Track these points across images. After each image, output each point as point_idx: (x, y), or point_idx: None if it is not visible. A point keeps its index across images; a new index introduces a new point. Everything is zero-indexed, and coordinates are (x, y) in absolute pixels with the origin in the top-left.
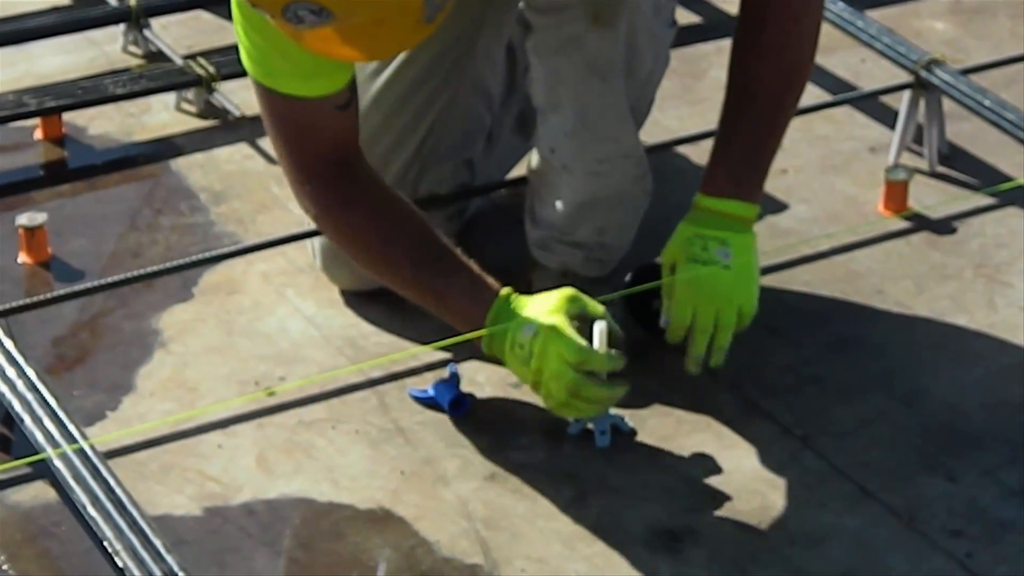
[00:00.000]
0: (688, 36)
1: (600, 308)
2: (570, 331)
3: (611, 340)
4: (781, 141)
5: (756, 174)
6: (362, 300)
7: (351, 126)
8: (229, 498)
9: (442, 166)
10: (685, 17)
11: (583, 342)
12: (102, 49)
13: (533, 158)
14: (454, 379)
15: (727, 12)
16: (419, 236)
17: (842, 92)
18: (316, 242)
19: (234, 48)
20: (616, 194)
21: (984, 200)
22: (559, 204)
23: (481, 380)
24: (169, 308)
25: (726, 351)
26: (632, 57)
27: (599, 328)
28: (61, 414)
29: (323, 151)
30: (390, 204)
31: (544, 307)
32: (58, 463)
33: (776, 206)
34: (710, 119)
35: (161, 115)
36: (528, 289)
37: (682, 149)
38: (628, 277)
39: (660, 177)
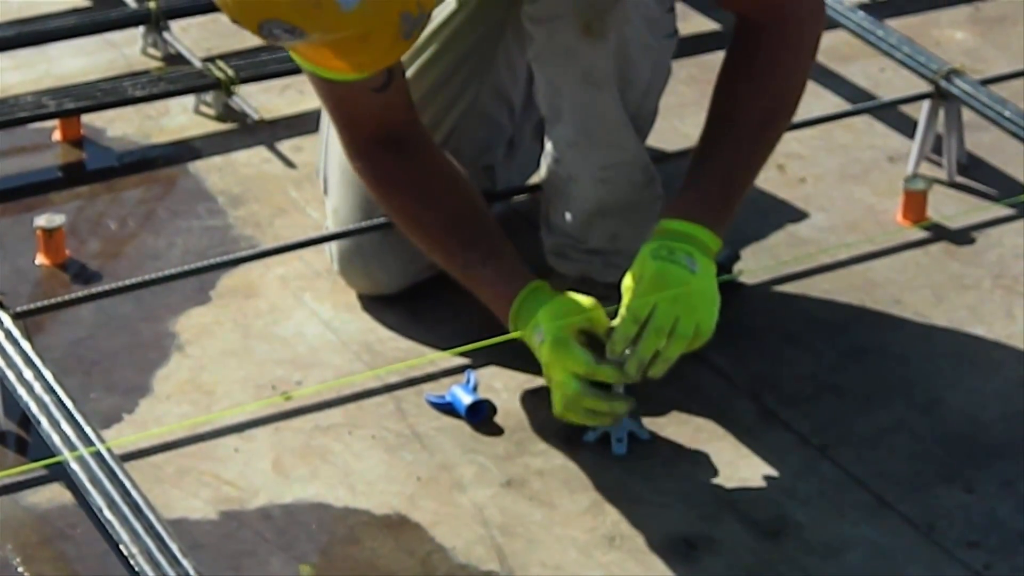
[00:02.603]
0: (707, 43)
1: (604, 325)
2: (574, 344)
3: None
4: (755, 176)
5: (725, 205)
6: (379, 304)
7: (395, 105)
8: (245, 502)
9: None
10: (704, 24)
11: (587, 355)
12: (121, 51)
13: (542, 169)
14: (471, 385)
15: None
16: (460, 217)
17: (861, 101)
18: (334, 246)
19: (253, 51)
20: (624, 201)
21: (1003, 211)
22: (570, 213)
23: (498, 386)
24: (186, 311)
25: (672, 364)
26: (627, 68)
27: None
28: (78, 416)
29: (369, 130)
30: (437, 182)
31: (556, 312)
32: (75, 465)
33: (795, 215)
34: None
35: (180, 118)
36: None
37: None
38: None
39: (679, 182)
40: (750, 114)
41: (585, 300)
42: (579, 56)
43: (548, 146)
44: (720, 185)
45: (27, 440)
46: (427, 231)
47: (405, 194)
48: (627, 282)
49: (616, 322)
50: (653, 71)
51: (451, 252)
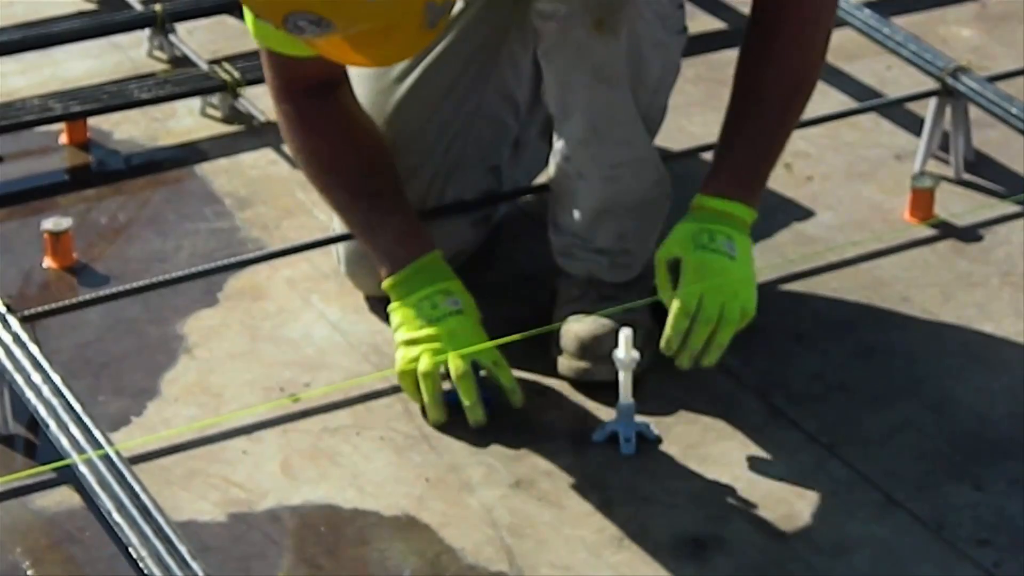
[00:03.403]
0: (713, 42)
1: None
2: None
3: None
4: (784, 147)
5: (758, 179)
6: (387, 306)
7: (336, 65)
8: (254, 504)
9: (468, 173)
10: (709, 23)
11: (487, 361)
12: (127, 54)
13: (551, 167)
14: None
15: None
16: (371, 169)
17: (868, 99)
18: (341, 248)
19: (258, 53)
20: (633, 199)
21: (1010, 208)
22: (578, 212)
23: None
24: (194, 313)
25: (724, 350)
26: (638, 65)
27: (625, 334)
28: (86, 419)
29: (303, 82)
30: (356, 129)
31: (472, 301)
32: (83, 469)
33: (802, 213)
34: None
35: (186, 120)
36: (552, 296)
37: (708, 155)
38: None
39: (686, 183)
40: (775, 91)
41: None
42: (590, 53)
43: (557, 144)
44: (753, 160)
45: (35, 443)
46: (340, 174)
47: (325, 137)
48: (662, 254)
49: (670, 316)
50: (663, 68)
51: (357, 195)
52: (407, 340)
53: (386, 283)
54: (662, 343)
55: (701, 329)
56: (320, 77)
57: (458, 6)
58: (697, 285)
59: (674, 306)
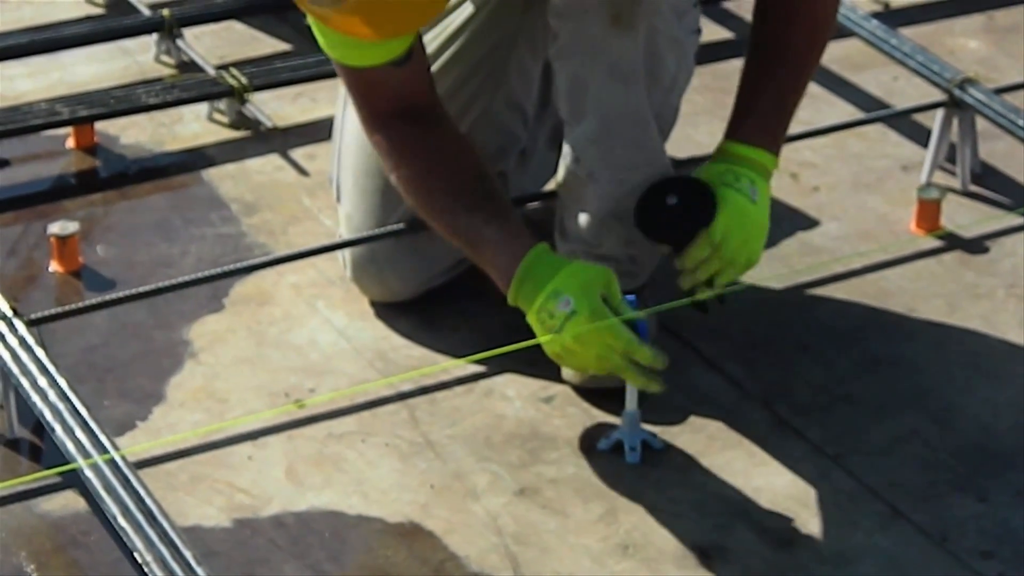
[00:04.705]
0: (720, 51)
1: (619, 299)
2: (613, 317)
3: None
4: (802, 98)
5: (780, 127)
6: (393, 312)
7: (415, 77)
8: (259, 510)
9: None
10: (717, 32)
11: (629, 333)
12: (135, 59)
13: (560, 171)
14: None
15: None
16: (468, 182)
17: (875, 110)
18: (347, 253)
19: (266, 59)
20: None
21: (1017, 220)
22: (586, 216)
23: (511, 394)
24: (200, 319)
25: (718, 291)
26: (654, 62)
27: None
28: (92, 424)
29: (387, 104)
30: (448, 150)
31: (581, 281)
32: (88, 473)
33: (808, 223)
34: None
35: (193, 125)
36: None
37: None
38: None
39: None
40: (796, 45)
41: (600, 269)
42: (607, 48)
43: (566, 148)
44: (776, 110)
45: (41, 447)
46: (434, 197)
47: (417, 163)
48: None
49: (697, 240)
50: (678, 67)
51: (456, 215)
52: (552, 354)
53: (510, 298)
54: (677, 261)
55: (714, 264)
56: (406, 98)
57: (467, 12)
58: (726, 218)
59: (702, 233)
